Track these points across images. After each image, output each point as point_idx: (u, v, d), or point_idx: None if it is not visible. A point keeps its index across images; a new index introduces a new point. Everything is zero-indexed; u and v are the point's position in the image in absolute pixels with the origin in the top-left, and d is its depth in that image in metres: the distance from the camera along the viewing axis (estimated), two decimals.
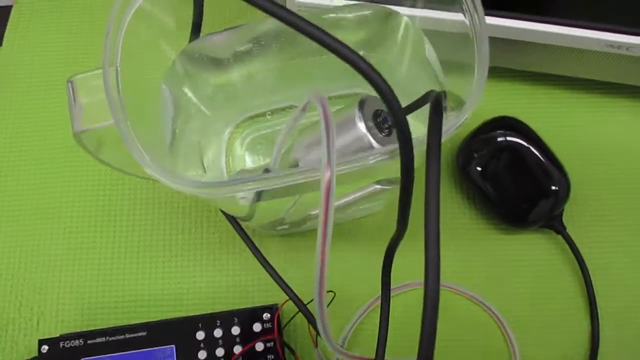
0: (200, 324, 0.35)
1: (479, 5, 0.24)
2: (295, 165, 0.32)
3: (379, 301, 0.38)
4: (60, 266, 0.40)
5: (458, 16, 0.26)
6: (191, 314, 0.36)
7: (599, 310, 0.38)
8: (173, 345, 0.35)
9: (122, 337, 0.35)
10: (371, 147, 0.28)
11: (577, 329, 0.38)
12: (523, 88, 0.44)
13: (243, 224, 0.39)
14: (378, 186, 0.30)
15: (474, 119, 0.41)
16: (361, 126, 0.27)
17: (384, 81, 0.18)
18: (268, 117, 0.36)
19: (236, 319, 0.35)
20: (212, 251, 0.40)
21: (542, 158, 0.38)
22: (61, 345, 0.35)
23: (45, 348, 0.35)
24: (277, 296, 0.37)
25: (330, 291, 0.37)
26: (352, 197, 0.31)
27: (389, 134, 0.30)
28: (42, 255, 0.40)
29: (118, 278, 0.39)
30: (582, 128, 0.43)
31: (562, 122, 0.43)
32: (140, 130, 0.20)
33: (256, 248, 0.35)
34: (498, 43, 0.38)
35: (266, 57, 0.33)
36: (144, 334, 0.35)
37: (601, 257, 0.39)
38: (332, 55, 0.18)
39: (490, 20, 0.37)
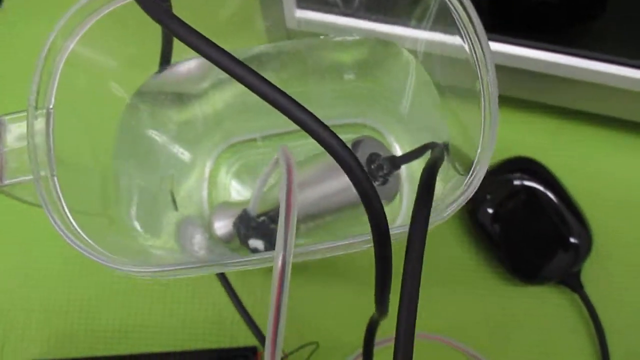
0: None
1: (483, 36, 0.20)
2: (277, 206, 0.29)
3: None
4: (28, 291, 0.37)
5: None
6: (163, 349, 0.34)
7: None
8: None
9: None
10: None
11: None
12: (545, 123, 0.40)
13: None
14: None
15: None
16: None
17: (349, 153, 0.15)
18: (259, 143, 0.33)
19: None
20: (192, 281, 0.37)
21: (561, 206, 0.34)
22: None
23: None
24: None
25: (312, 343, 0.34)
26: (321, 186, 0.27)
27: (384, 183, 0.27)
28: (11, 278, 0.38)
29: (89, 306, 0.37)
30: (609, 175, 0.38)
31: (587, 167, 0.38)
32: (81, 181, 0.18)
33: (227, 281, 0.32)
34: (521, 73, 0.34)
35: None
36: None
37: (621, 323, 0.35)
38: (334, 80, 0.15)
39: (514, 50, 0.33)
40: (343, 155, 0.14)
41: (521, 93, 0.37)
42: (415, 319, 0.16)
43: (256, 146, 0.33)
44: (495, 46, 0.33)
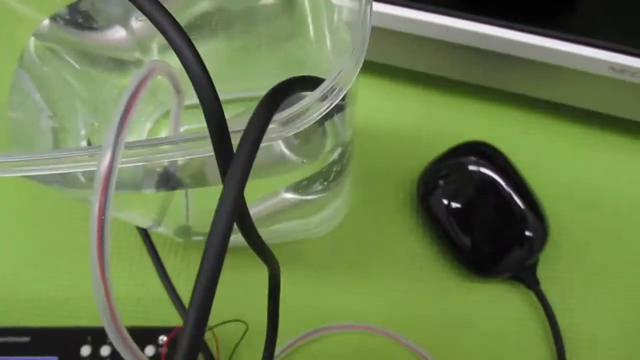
0: (89, 337, 0.31)
1: None
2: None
3: (305, 340, 0.33)
4: None
5: None
6: (89, 324, 0.32)
7: None
8: (55, 358, 0.30)
9: (3, 339, 0.31)
10: (283, 156, 0.23)
11: None
12: (509, 114, 0.38)
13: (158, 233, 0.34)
14: (288, 195, 0.25)
15: (441, 142, 0.36)
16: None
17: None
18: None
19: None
20: (125, 258, 0.35)
21: (517, 197, 0.32)
22: None
23: None
24: None
25: (241, 321, 0.32)
26: (257, 209, 0.25)
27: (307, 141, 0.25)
28: None
29: (13, 275, 0.35)
30: (571, 166, 0.36)
31: (548, 157, 0.37)
32: None
33: (157, 257, 0.31)
34: (486, 57, 0.33)
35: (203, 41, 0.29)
36: (27, 339, 0.31)
37: (578, 322, 0.33)
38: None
39: (479, 27, 0.32)
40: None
41: (484, 79, 0.36)
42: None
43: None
44: (467, 25, 0.32)
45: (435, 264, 0.34)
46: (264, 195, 0.25)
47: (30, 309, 0.34)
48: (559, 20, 0.31)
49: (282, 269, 0.35)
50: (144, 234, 0.32)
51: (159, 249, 0.34)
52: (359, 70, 0.16)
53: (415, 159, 0.35)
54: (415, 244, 0.35)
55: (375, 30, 0.33)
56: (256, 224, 0.27)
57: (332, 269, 0.34)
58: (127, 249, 0.35)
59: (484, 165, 0.32)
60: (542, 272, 0.33)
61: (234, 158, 0.13)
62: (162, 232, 0.31)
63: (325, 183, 0.25)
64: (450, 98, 0.38)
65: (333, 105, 0.15)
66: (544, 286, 0.32)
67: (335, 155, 0.24)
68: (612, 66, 0.30)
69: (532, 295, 0.33)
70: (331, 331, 0.33)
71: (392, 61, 0.36)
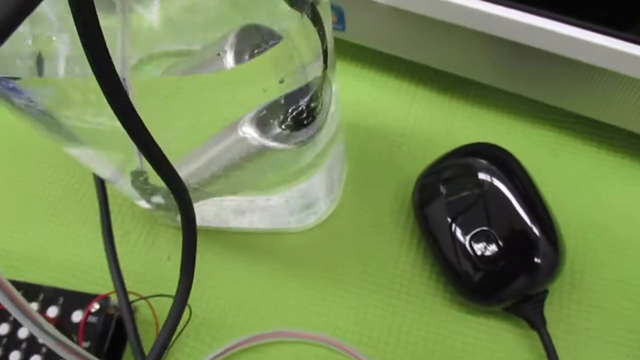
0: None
1: None
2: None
3: (258, 341, 0.28)
4: None
5: None
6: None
7: None
8: None
9: None
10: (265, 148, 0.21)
11: None
12: (545, 136, 0.33)
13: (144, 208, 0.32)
14: (244, 134, 0.21)
15: (443, 146, 0.32)
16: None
17: None
18: None
19: (62, 299, 0.27)
20: (89, 223, 0.33)
21: (529, 215, 0.27)
22: None
23: None
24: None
25: (167, 296, 0.28)
26: (213, 148, 0.22)
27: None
28: None
29: None
30: (599, 190, 0.31)
31: (575, 181, 0.31)
32: None
33: (109, 225, 0.27)
34: (522, 54, 0.28)
35: None
36: None
37: None
38: None
39: (518, 15, 0.27)
40: None
41: (520, 86, 0.31)
42: None
43: None
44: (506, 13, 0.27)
45: (424, 284, 0.29)
46: (219, 133, 0.22)
47: None
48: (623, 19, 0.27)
49: (251, 260, 0.31)
50: (101, 191, 0.29)
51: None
52: None
53: (416, 163, 0.31)
54: (404, 258, 0.30)
55: (388, 12, 0.29)
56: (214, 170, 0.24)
57: (306, 269, 0.30)
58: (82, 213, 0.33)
59: (494, 172, 0.27)
60: (550, 312, 0.27)
61: None
62: (121, 187, 0.28)
63: (290, 122, 0.21)
64: (459, 100, 0.34)
65: None
66: (551, 329, 0.26)
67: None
68: None
69: (535, 337, 0.27)
70: (289, 337, 0.28)
71: (406, 54, 0.33)
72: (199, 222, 0.31)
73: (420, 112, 0.34)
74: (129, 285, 0.28)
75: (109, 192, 0.29)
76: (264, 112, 0.21)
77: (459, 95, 0.34)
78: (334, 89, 0.24)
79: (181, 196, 0.17)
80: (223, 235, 0.31)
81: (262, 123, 0.21)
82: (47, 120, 0.21)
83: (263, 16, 0.18)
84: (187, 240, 0.18)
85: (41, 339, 0.17)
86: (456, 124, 0.33)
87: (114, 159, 0.25)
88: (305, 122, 0.22)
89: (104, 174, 0.27)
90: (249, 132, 0.21)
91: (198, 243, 0.32)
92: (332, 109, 0.25)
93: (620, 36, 0.25)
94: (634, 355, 0.26)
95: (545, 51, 0.27)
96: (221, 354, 0.28)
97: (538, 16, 0.26)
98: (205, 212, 0.30)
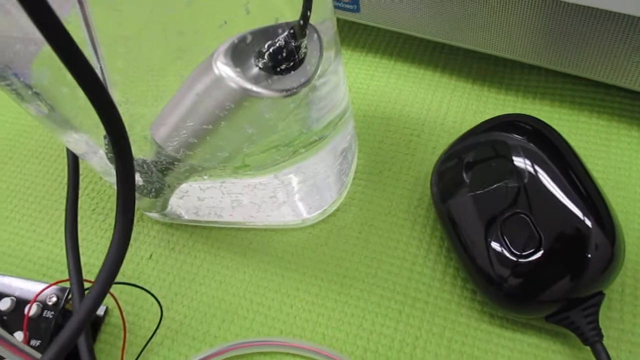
0: None
1: None
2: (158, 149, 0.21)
3: (245, 349, 0.23)
4: None
5: None
6: None
7: None
8: None
9: None
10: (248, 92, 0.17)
11: None
12: (589, 110, 0.28)
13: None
14: (220, 72, 0.17)
15: (471, 124, 0.27)
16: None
17: None
18: None
19: (17, 292, 0.24)
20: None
21: (578, 199, 0.21)
22: None
23: None
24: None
25: (155, 299, 0.24)
26: (188, 94, 0.19)
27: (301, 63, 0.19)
28: None
29: None
30: None
31: (627, 169, 0.26)
32: None
33: (74, 205, 0.24)
34: (552, 19, 0.24)
35: None
36: None
37: None
38: None
39: None
40: None
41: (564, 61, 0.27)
42: None
43: None
44: None
45: (446, 291, 0.24)
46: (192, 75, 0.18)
47: None
48: None
49: (242, 259, 0.27)
50: (73, 178, 0.26)
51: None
52: None
53: (438, 154, 0.26)
54: (422, 260, 0.25)
55: None
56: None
57: (304, 271, 0.25)
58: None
59: (529, 149, 0.23)
60: (607, 323, 0.21)
61: None
62: (96, 164, 0.24)
63: (267, 59, 0.17)
64: (490, 88, 0.30)
65: None
66: (609, 346, 0.20)
67: None
68: None
69: (588, 353, 0.21)
70: (280, 348, 0.23)
71: (427, 33, 0.29)
72: (190, 216, 0.27)
73: (444, 100, 0.30)
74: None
75: (94, 187, 0.26)
76: (236, 43, 0.17)
77: (489, 81, 0.30)
78: (331, 46, 0.21)
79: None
80: (214, 232, 0.27)
81: (237, 59, 0.18)
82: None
83: None
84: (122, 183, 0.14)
85: None
86: (487, 112, 0.29)
87: (90, 127, 0.22)
88: (282, 64, 0.18)
89: (79, 147, 0.24)
90: (223, 69, 0.18)
91: (185, 239, 0.28)
92: (331, 80, 0.22)
93: None
94: None
95: (589, 6, 0.22)
96: (209, 357, 0.23)
97: None
98: (192, 202, 0.26)
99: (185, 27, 0.17)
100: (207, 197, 0.25)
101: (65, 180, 0.31)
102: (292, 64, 0.18)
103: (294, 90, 0.19)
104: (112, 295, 0.24)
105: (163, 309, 0.25)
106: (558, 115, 0.28)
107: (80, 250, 0.23)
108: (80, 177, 0.30)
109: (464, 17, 0.27)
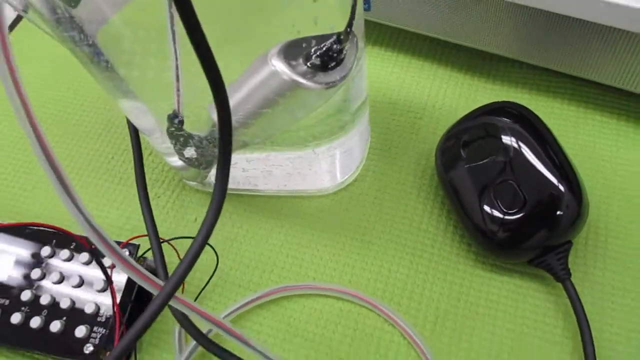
0: (54, 241, 0.29)
1: None
2: (214, 126, 0.26)
3: (286, 292, 0.29)
4: None
5: None
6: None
7: None
8: (14, 255, 0.28)
9: None
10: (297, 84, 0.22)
11: None
12: (562, 98, 0.34)
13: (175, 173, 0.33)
14: (274, 67, 0.22)
15: (466, 109, 0.33)
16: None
17: None
18: None
19: (93, 246, 0.28)
20: (113, 181, 0.34)
21: (552, 168, 0.27)
22: None
23: None
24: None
25: (212, 248, 0.29)
26: (246, 83, 0.23)
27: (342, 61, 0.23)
28: None
29: (12, 185, 0.35)
30: (619, 158, 0.31)
31: (601, 151, 0.32)
32: None
33: (142, 175, 0.29)
34: (534, 22, 0.30)
35: None
36: None
37: (618, 336, 0.26)
38: None
39: None
40: None
41: (532, 56, 0.32)
42: None
43: None
44: None
45: (447, 244, 0.29)
46: (250, 68, 0.23)
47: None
48: None
49: (274, 222, 0.32)
50: (137, 156, 0.30)
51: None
52: None
53: (437, 133, 0.32)
54: (427, 219, 0.30)
55: None
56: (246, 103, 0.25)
57: (330, 230, 0.31)
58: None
59: (515, 129, 0.28)
60: (574, 266, 0.27)
61: None
62: (156, 139, 0.29)
63: (315, 60, 0.22)
64: (487, 75, 0.35)
65: None
66: (576, 279, 0.26)
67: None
68: None
69: (560, 292, 0.27)
70: (317, 290, 0.28)
71: (427, 30, 0.34)
72: (231, 185, 0.32)
73: (441, 88, 0.35)
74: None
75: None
76: (290, 45, 0.22)
77: (479, 72, 0.35)
78: (361, 46, 0.26)
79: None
80: (247, 199, 0.32)
81: (289, 57, 0.23)
82: (106, 72, 0.23)
83: None
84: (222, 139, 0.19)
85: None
86: (477, 99, 0.34)
87: (155, 107, 0.27)
88: (329, 64, 0.23)
89: (142, 124, 0.28)
90: (278, 65, 0.22)
91: (226, 205, 0.32)
92: (361, 72, 0.27)
93: None
94: None
95: (567, 16, 0.28)
96: (246, 304, 0.28)
97: None
98: (236, 172, 0.31)
99: (257, 29, 0.22)
100: (251, 169, 0.30)
101: (123, 157, 0.35)
102: (335, 63, 0.23)
103: (335, 83, 0.24)
104: (175, 249, 0.29)
105: (218, 260, 0.30)
106: (536, 101, 0.34)
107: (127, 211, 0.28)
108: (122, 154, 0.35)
109: (460, 19, 0.32)
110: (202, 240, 0.20)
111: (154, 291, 0.19)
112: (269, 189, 0.32)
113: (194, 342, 0.27)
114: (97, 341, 0.26)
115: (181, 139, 0.28)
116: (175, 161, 0.31)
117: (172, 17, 0.22)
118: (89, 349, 0.25)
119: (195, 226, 0.32)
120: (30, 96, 0.14)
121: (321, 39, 0.23)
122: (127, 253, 0.28)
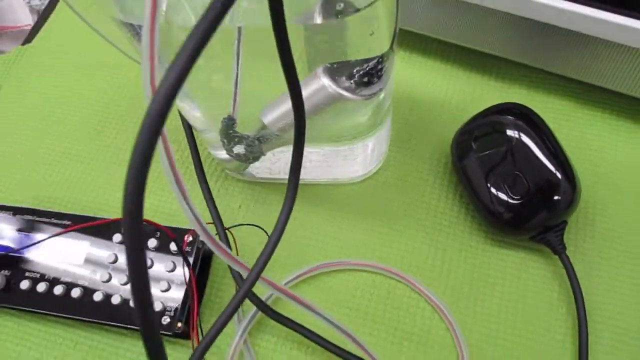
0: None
1: None
2: (262, 127, 0.30)
3: (324, 269, 0.33)
4: (31, 158, 0.41)
5: None
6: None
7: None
8: (88, 241, 0.33)
9: (48, 220, 0.34)
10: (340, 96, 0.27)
11: None
12: (557, 95, 0.39)
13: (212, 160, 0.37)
14: (326, 81, 0.26)
15: (474, 105, 0.37)
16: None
17: None
18: None
19: (158, 234, 0.32)
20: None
21: (550, 159, 0.32)
22: None
23: None
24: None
25: (258, 227, 0.33)
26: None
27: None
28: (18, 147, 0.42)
29: (76, 180, 0.39)
30: (605, 148, 0.36)
31: (592, 143, 0.37)
32: None
33: (202, 171, 0.33)
34: (530, 31, 0.34)
35: None
36: (67, 222, 0.34)
37: (602, 296, 0.31)
38: None
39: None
40: None
41: (529, 58, 0.37)
42: None
43: None
44: None
45: (460, 224, 0.35)
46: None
47: (81, 203, 0.37)
48: None
49: (311, 207, 0.36)
50: (194, 150, 0.34)
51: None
52: None
53: (450, 127, 0.36)
54: (443, 202, 0.35)
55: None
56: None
57: (360, 213, 0.35)
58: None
59: (520, 127, 0.33)
60: (569, 241, 0.33)
61: None
62: (208, 136, 0.33)
63: (357, 79, 0.26)
64: (491, 74, 0.40)
65: None
66: (571, 253, 0.32)
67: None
68: None
69: (557, 264, 0.32)
70: (351, 266, 0.33)
71: (440, 35, 0.39)
72: (268, 175, 0.37)
73: (451, 85, 0.39)
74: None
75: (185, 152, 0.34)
76: (336, 66, 0.26)
77: (489, 72, 0.40)
78: (394, 60, 0.30)
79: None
80: (283, 188, 0.36)
81: (335, 73, 0.27)
82: None
83: None
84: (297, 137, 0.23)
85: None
86: (484, 97, 0.39)
87: (212, 110, 0.31)
88: (369, 81, 0.27)
89: (199, 124, 0.32)
90: (325, 80, 0.27)
91: (265, 193, 0.37)
92: (392, 76, 0.31)
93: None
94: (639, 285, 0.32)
95: (560, 27, 0.32)
96: (293, 279, 0.33)
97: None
98: (280, 165, 0.35)
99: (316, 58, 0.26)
100: (287, 160, 0.34)
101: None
102: (375, 78, 0.27)
103: (374, 94, 0.28)
104: (231, 233, 0.34)
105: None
106: (533, 97, 0.38)
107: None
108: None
109: (471, 27, 0.36)
110: (281, 228, 0.24)
111: (244, 272, 0.24)
112: (303, 177, 0.37)
113: (252, 311, 0.32)
114: (172, 313, 0.30)
115: (235, 139, 0.32)
116: (221, 154, 0.35)
117: (239, 44, 0.26)
118: (166, 320, 0.30)
119: (240, 213, 0.36)
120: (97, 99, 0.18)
121: (366, 59, 0.27)
122: (191, 238, 0.32)
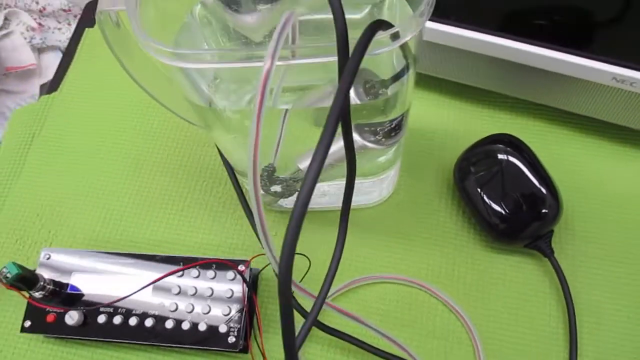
0: (181, 263, 0.38)
1: None
2: (297, 171, 0.35)
3: (356, 284, 0.39)
4: (82, 201, 0.45)
5: None
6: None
7: (578, 344, 0.37)
8: (151, 277, 0.38)
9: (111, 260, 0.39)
10: (365, 146, 0.33)
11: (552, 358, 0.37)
12: (537, 121, 0.45)
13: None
14: (356, 137, 0.32)
15: (470, 133, 0.44)
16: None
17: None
18: None
19: (214, 265, 0.38)
20: (213, 211, 0.43)
21: (537, 180, 0.39)
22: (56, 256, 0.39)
23: (46, 255, 0.39)
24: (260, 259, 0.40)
25: (304, 255, 0.39)
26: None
27: (375, 98, 0.33)
28: (69, 191, 0.46)
29: (127, 219, 0.44)
30: (590, 172, 0.43)
31: (571, 162, 0.44)
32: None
33: (246, 203, 0.38)
34: (510, 69, 0.41)
35: None
36: (131, 261, 0.39)
37: (586, 289, 0.39)
38: None
39: (501, 41, 0.39)
40: None
41: (510, 89, 0.44)
42: None
43: None
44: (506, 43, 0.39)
45: (464, 235, 0.41)
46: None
47: (137, 244, 0.42)
48: (579, 40, 0.39)
49: (336, 229, 0.42)
50: (235, 182, 0.40)
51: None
52: (424, 21, 0.24)
53: (451, 153, 0.43)
54: (449, 219, 0.42)
55: (429, 45, 0.41)
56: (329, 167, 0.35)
57: (379, 232, 0.42)
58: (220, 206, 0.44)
59: (510, 153, 0.40)
60: (556, 247, 0.39)
61: (347, 62, 0.21)
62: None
63: (381, 135, 0.32)
64: (482, 105, 0.46)
65: (402, 42, 0.23)
66: (558, 256, 0.39)
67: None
68: (615, 77, 0.37)
69: (547, 266, 0.39)
70: (377, 279, 0.40)
71: (438, 73, 0.45)
72: (290, 204, 0.42)
73: (449, 116, 0.46)
74: (241, 254, 0.39)
75: (220, 184, 0.39)
76: (365, 127, 0.32)
77: (483, 104, 0.46)
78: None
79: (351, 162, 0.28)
80: (309, 215, 0.43)
81: (362, 132, 0.33)
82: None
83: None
84: (347, 189, 0.29)
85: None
86: (477, 126, 0.45)
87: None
88: (393, 134, 0.33)
89: (241, 167, 0.38)
90: (355, 137, 0.32)
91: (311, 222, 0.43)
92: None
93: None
94: (614, 278, 0.39)
95: (541, 69, 0.39)
96: (331, 295, 0.39)
97: (533, 45, 0.39)
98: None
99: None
100: (329, 193, 0.40)
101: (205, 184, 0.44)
102: (396, 132, 0.33)
103: (395, 142, 0.34)
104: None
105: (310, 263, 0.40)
106: (518, 123, 0.45)
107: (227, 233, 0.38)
108: (207, 183, 0.44)
109: (463, 67, 0.43)
110: (338, 256, 0.30)
111: (310, 299, 0.30)
112: (327, 204, 0.42)
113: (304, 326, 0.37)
114: (235, 333, 0.36)
115: (276, 181, 0.38)
116: None
117: (286, 113, 0.31)
118: (232, 340, 0.36)
119: (276, 240, 0.42)
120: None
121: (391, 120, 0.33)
122: (243, 267, 0.38)
